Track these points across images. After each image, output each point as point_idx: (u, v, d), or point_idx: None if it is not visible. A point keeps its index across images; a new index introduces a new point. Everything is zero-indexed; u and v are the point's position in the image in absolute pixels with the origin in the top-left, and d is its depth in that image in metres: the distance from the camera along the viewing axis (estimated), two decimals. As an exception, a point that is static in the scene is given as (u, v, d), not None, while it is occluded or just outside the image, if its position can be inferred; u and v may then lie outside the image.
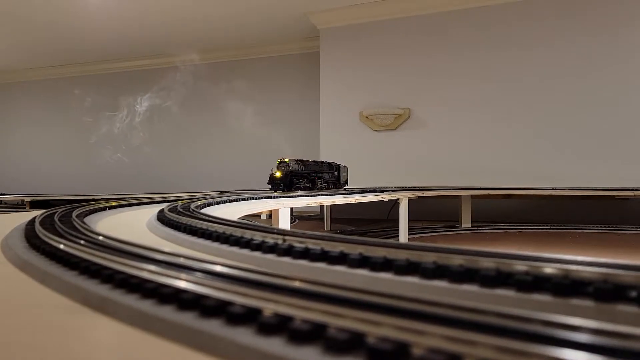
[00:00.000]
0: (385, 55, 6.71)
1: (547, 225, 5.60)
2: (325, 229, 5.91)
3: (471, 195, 5.73)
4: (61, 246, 0.97)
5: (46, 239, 1.09)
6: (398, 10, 6.57)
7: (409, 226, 4.75)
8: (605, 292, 0.60)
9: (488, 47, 6.27)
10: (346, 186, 5.77)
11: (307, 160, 4.67)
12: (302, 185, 4.35)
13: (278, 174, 4.07)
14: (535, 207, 6.28)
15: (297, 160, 4.37)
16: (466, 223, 5.80)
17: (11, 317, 0.67)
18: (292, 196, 3.53)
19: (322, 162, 5.05)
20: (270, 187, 4.14)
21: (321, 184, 4.78)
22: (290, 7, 6.62)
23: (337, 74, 6.96)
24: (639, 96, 5.66)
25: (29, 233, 1.25)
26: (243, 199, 3.08)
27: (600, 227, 5.48)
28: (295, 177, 4.21)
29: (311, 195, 3.78)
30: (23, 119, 10.54)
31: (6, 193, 6.75)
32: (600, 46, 5.81)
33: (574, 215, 5.99)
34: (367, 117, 6.64)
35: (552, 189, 5.23)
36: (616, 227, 5.43)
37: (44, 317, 0.66)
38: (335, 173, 5.21)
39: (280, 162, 4.22)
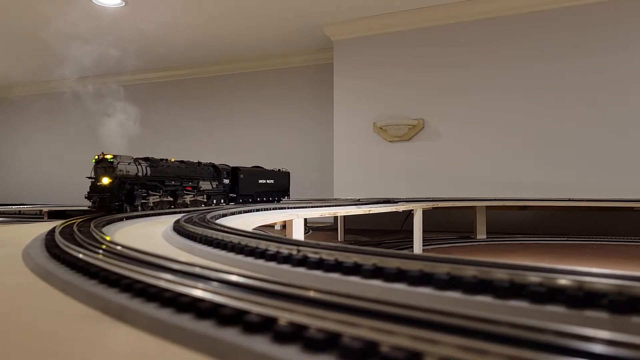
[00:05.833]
0: (398, 66, 6.73)
1: (564, 237, 5.51)
2: (339, 239, 5.90)
3: (486, 206, 5.68)
4: (81, 256, 0.99)
5: (66, 249, 1.11)
6: (411, 22, 6.60)
7: (423, 237, 4.72)
8: (620, 304, 0.60)
9: (503, 58, 6.25)
10: (286, 198, 4.74)
11: (163, 160, 3.08)
12: (151, 203, 2.82)
13: (106, 182, 2.57)
14: (552, 218, 6.20)
15: (138, 159, 2.83)
16: (481, 234, 5.74)
17: (33, 325, 0.69)
18: (305, 207, 3.55)
19: (199, 163, 3.58)
20: (90, 204, 2.59)
21: (193, 198, 3.29)
22: (305, 19, 6.68)
23: (351, 85, 6.99)
24: (656, 106, 5.58)
25: (49, 243, 1.28)
26: (257, 210, 3.11)
27: (619, 239, 5.38)
28: (140, 188, 2.74)
29: (325, 206, 3.78)
30: (33, 130, 10.68)
31: (25, 203, 6.87)
32: (616, 57, 5.75)
33: (592, 227, 5.89)
34: (380, 128, 6.64)
35: (569, 200, 5.16)
36: (636, 239, 5.33)
37: (65, 325, 0.68)
38: (226, 181, 3.79)
39: (99, 161, 2.63)
